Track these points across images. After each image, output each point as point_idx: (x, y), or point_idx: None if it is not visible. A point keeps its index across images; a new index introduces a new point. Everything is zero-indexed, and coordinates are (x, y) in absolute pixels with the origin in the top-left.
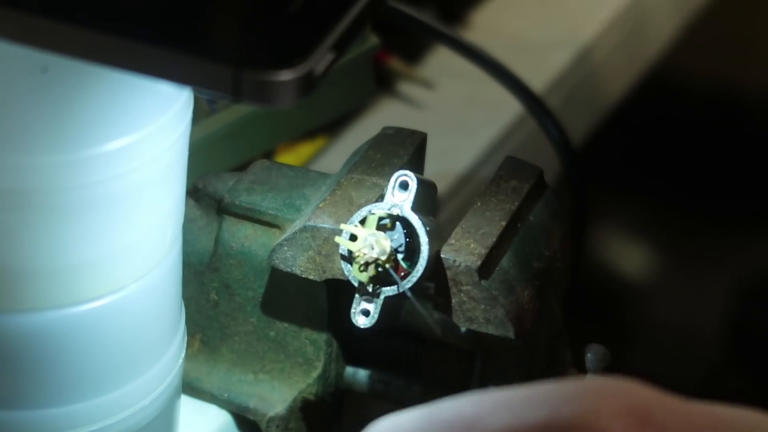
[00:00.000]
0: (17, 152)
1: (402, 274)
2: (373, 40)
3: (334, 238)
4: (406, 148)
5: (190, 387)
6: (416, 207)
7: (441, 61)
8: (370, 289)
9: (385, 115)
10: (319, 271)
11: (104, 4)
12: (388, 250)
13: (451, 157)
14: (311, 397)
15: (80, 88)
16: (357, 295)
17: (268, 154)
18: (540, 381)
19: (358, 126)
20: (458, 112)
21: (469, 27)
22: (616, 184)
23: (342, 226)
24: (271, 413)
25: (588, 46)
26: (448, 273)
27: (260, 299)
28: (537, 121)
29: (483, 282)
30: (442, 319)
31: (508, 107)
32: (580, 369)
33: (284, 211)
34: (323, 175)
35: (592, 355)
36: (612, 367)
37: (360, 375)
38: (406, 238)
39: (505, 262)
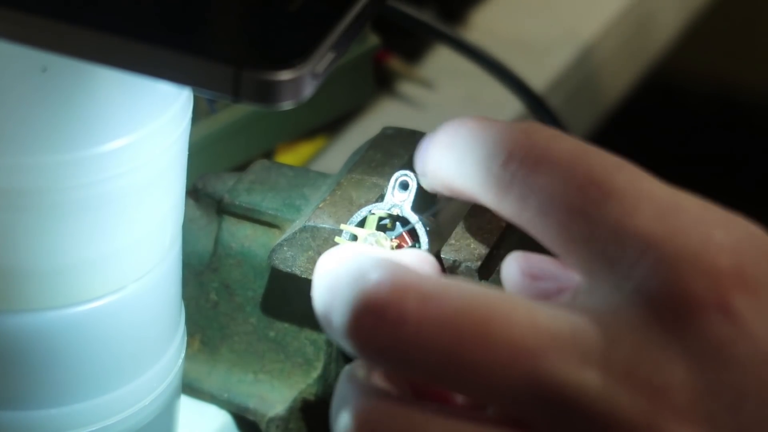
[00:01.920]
0: (17, 152)
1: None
2: (373, 40)
3: (334, 238)
4: (406, 148)
5: (190, 387)
6: (416, 207)
7: (441, 61)
8: None
9: (385, 115)
10: None
11: (104, 4)
12: (388, 250)
13: None
14: (311, 398)
15: (80, 88)
16: None
17: (268, 154)
18: None
19: (358, 126)
20: (458, 112)
21: (469, 27)
22: None
23: (342, 226)
24: (271, 413)
25: (588, 46)
26: (448, 273)
27: (260, 299)
28: (537, 120)
29: (483, 282)
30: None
31: (508, 107)
32: None
33: (284, 211)
34: (323, 175)
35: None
36: None
37: None
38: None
39: None
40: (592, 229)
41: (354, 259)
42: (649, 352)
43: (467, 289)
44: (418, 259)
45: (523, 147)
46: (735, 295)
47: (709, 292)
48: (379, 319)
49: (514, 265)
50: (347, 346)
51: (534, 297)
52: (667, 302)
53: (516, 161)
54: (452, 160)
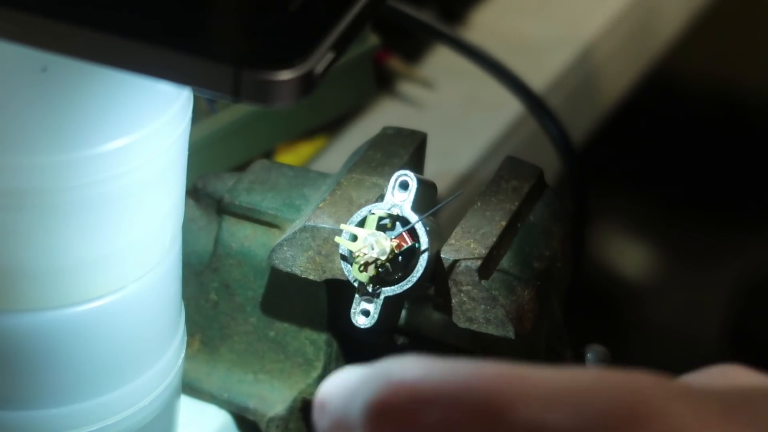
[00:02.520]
0: (17, 152)
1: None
2: (373, 40)
3: (334, 238)
4: (406, 148)
5: (190, 387)
6: (416, 207)
7: (441, 61)
8: (370, 289)
9: (385, 115)
10: (319, 271)
11: (104, 4)
12: (388, 250)
13: (451, 157)
14: (311, 398)
15: (79, 88)
16: (357, 295)
17: (268, 154)
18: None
19: (358, 126)
20: (458, 112)
21: (469, 27)
22: (616, 184)
23: (342, 226)
24: (271, 413)
25: (588, 45)
26: (448, 273)
27: (260, 299)
28: (537, 120)
29: (483, 282)
30: (442, 318)
31: (508, 107)
32: None
33: (284, 211)
34: (323, 175)
35: (592, 355)
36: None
37: None
38: None
39: (505, 262)
40: None
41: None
42: None
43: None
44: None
45: (387, 392)
46: None
47: None
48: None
49: None
50: None
51: None
52: None
53: (389, 413)
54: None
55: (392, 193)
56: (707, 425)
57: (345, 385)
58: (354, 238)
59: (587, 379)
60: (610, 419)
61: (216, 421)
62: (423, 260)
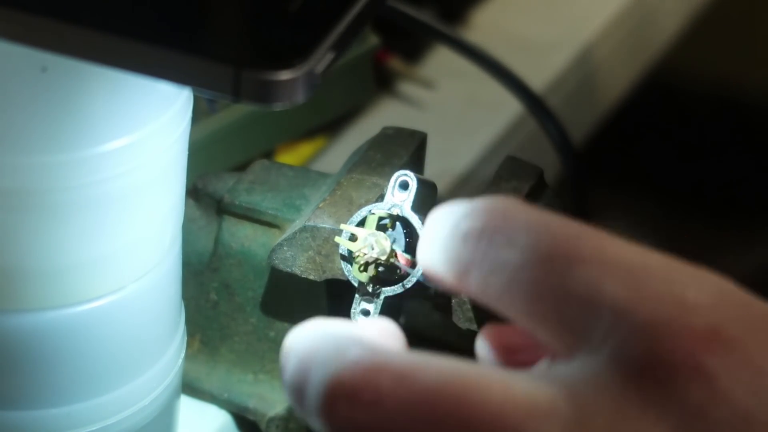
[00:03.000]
0: (17, 152)
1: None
2: (373, 40)
3: (334, 238)
4: (406, 148)
5: (190, 387)
6: (416, 207)
7: (441, 61)
8: (370, 289)
9: (385, 115)
10: (319, 271)
11: (104, 4)
12: (388, 250)
13: (451, 157)
14: None
15: (80, 88)
16: (357, 295)
17: (268, 154)
18: None
19: (358, 126)
20: (458, 112)
21: (469, 27)
22: (616, 184)
23: (342, 226)
24: (271, 413)
25: (588, 45)
26: None
27: (260, 299)
28: (537, 121)
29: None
30: (442, 318)
31: (508, 107)
32: None
33: (284, 211)
34: (323, 175)
35: None
36: None
37: None
38: (406, 238)
39: None
40: (561, 303)
41: (324, 338)
42: (628, 421)
43: (441, 366)
44: (383, 332)
45: (481, 222)
46: (711, 357)
47: (684, 356)
48: (353, 399)
49: (485, 345)
50: (319, 426)
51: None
52: (643, 369)
53: (474, 238)
54: (424, 248)
55: (392, 193)
56: None
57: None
58: (354, 238)
59: (656, 262)
60: (658, 308)
61: (216, 421)
62: None
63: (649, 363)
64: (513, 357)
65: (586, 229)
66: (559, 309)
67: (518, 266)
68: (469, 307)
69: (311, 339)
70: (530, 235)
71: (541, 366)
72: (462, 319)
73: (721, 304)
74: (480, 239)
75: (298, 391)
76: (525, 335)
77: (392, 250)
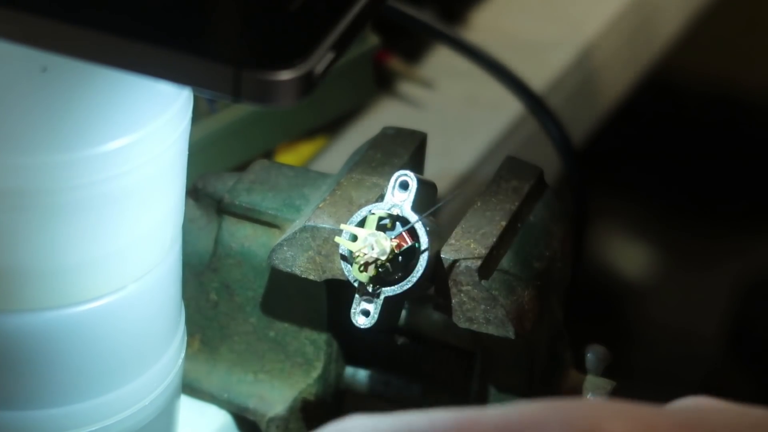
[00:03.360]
0: (17, 152)
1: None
2: (373, 40)
3: (334, 238)
4: (406, 148)
5: (190, 387)
6: (416, 207)
7: (441, 61)
8: (370, 289)
9: (385, 115)
10: (319, 271)
11: (104, 4)
12: (388, 250)
13: (451, 157)
14: (311, 398)
15: (80, 88)
16: (357, 295)
17: (268, 154)
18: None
19: (358, 126)
20: (458, 112)
21: (469, 27)
22: (616, 184)
23: (342, 226)
24: (271, 413)
25: (588, 45)
26: (448, 273)
27: (260, 299)
28: (537, 120)
29: (483, 282)
30: (442, 318)
31: (508, 107)
32: (581, 369)
33: (284, 211)
34: (323, 175)
35: (592, 355)
36: (612, 366)
37: (360, 375)
38: None
39: (505, 262)
40: None
41: None
42: None
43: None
44: None
45: None
46: None
47: None
48: None
49: None
50: None
51: None
52: None
53: None
54: None
55: (392, 193)
56: None
57: None
58: (354, 238)
59: (539, 408)
60: None
61: (216, 421)
62: (423, 260)
63: None
64: None
65: (445, 422)
66: None
67: None
68: (469, 307)
69: None
70: None
71: None
72: (462, 319)
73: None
74: None
75: None
76: None
77: (393, 253)
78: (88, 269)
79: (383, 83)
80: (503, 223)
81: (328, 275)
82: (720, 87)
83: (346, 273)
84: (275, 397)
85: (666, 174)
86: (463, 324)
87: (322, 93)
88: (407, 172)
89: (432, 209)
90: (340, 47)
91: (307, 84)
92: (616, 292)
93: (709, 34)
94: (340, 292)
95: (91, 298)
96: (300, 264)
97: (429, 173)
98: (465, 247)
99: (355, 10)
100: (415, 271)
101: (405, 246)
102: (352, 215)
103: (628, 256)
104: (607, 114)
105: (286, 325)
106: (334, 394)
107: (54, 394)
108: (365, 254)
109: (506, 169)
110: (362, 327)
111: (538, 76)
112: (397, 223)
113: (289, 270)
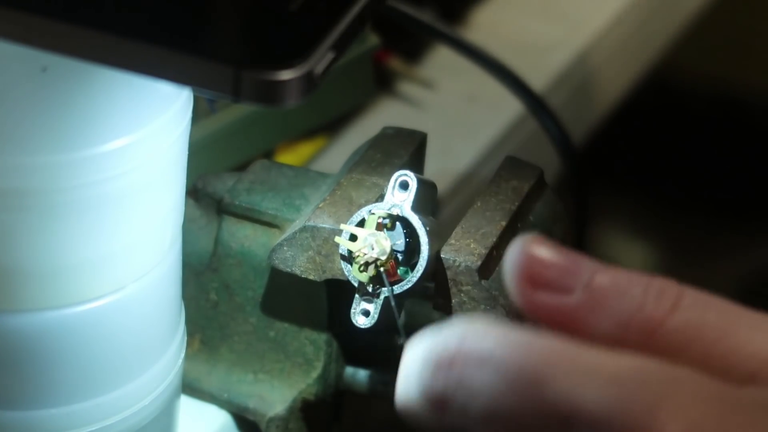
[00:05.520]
0: (16, 152)
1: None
2: (373, 40)
3: (334, 238)
4: (406, 148)
5: (190, 387)
6: (416, 207)
7: (441, 61)
8: (370, 289)
9: (385, 115)
10: (319, 271)
11: (104, 4)
12: (388, 250)
13: (451, 157)
14: (311, 398)
15: (79, 88)
16: (357, 295)
17: (268, 154)
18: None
19: (358, 126)
20: (458, 112)
21: (469, 27)
22: (616, 184)
23: (342, 226)
24: (271, 413)
25: (588, 45)
26: (448, 273)
27: (260, 299)
28: (537, 120)
29: (483, 282)
30: (442, 318)
31: (508, 107)
32: None
33: (284, 211)
34: (323, 175)
35: None
36: None
37: (360, 375)
38: (406, 238)
39: None
40: (543, 424)
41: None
42: None
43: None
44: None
45: (450, 352)
46: None
47: None
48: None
49: (513, 267)
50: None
51: (530, 311)
52: None
53: (444, 368)
54: (400, 386)
55: (392, 193)
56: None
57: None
58: (354, 238)
59: (628, 365)
60: (635, 410)
61: (216, 421)
62: (423, 260)
63: None
64: (534, 291)
65: (555, 343)
66: (542, 429)
67: (493, 394)
68: (469, 307)
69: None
70: (501, 359)
71: None
72: None
73: (695, 407)
74: (451, 369)
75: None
76: (556, 270)
77: (393, 253)
78: (88, 269)
79: (383, 83)
80: (503, 223)
81: (328, 275)
82: (720, 87)
83: (346, 273)
84: (275, 397)
85: (666, 174)
86: None
87: (322, 93)
88: (407, 171)
89: (432, 210)
90: (340, 47)
91: (308, 84)
92: None
93: (709, 34)
94: (340, 292)
95: (91, 298)
96: (300, 264)
97: (429, 173)
98: (465, 247)
99: (355, 10)
100: (415, 271)
101: (395, 276)
102: (352, 215)
103: (629, 256)
104: (607, 114)
105: (286, 325)
106: (334, 394)
107: (54, 394)
108: (365, 254)
109: (506, 169)
110: (362, 327)
111: (538, 76)
112: (397, 223)
113: (289, 270)
